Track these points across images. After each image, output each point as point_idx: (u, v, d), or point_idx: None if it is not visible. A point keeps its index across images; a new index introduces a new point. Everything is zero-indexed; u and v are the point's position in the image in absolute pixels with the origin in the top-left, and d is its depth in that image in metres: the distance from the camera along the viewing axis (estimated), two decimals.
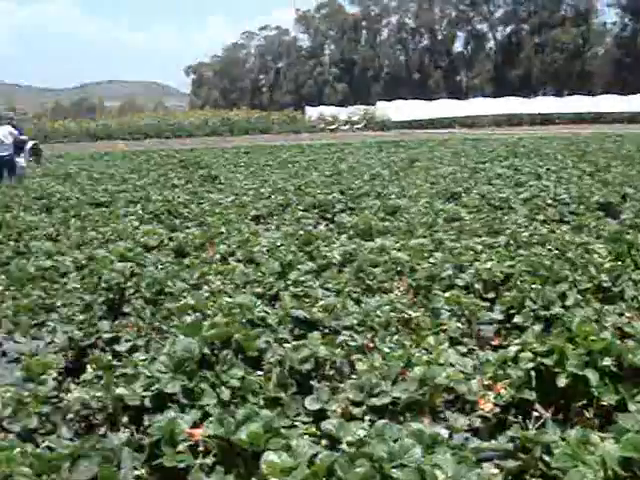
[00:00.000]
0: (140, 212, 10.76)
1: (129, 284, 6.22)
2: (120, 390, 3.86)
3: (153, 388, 3.78)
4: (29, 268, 6.84)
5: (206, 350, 3.98)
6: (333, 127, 56.70)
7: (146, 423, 3.63)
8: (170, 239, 8.53)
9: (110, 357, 4.73)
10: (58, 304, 6.09)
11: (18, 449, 3.17)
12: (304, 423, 3.72)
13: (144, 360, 4.24)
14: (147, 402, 3.77)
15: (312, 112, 63.12)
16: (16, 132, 18.28)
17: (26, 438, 3.72)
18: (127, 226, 9.32)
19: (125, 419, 3.84)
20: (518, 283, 5.83)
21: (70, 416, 3.95)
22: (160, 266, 6.93)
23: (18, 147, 18.00)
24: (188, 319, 5.19)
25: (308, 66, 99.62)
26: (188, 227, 9.46)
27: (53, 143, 48.16)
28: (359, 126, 56.62)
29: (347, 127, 56.56)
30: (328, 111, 61.97)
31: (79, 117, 76.88)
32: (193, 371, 3.80)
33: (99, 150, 35.53)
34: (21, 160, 18.70)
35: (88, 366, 4.66)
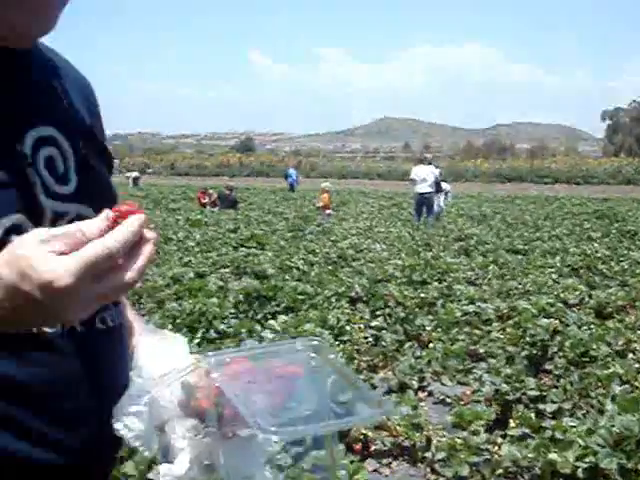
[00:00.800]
0: (558, 264, 10.67)
1: (552, 342, 6.21)
2: (552, 455, 3.86)
3: (587, 460, 3.73)
4: (455, 312, 7.15)
5: None
6: None
7: None
8: (589, 296, 8.34)
9: (533, 415, 4.78)
10: (481, 351, 6.30)
11: None
12: None
13: (574, 426, 4.20)
14: (579, 473, 3.73)
15: None
16: (437, 172, 19.26)
17: None
18: (546, 278, 9.30)
19: None
20: None
21: (499, 471, 4.04)
22: (582, 326, 6.81)
23: (437, 187, 18.90)
24: (616, 389, 5.05)
25: None
26: (609, 286, 9.15)
27: (464, 182, 49.91)
28: None
29: None
30: None
31: (490, 157, 78.70)
32: (632, 451, 3.68)
33: (511, 192, 35.99)
34: (439, 199, 19.64)
35: (511, 420, 4.75)
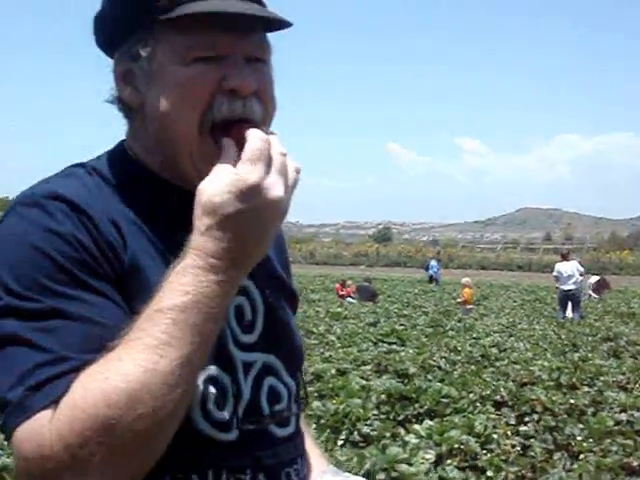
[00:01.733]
0: None
1: None
2: None
3: None
4: (607, 421, 6.85)
5: None
6: None
7: None
8: None
9: None
10: (634, 464, 5.99)
11: None
12: None
13: None
14: None
15: None
16: (582, 268, 18.88)
17: None
18: None
19: None
20: None
21: None
22: None
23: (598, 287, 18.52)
24: None
25: None
26: None
27: (609, 275, 48.21)
28: None
29: None
30: None
31: (636, 249, 76.06)
32: None
33: None
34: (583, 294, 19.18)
35: None
